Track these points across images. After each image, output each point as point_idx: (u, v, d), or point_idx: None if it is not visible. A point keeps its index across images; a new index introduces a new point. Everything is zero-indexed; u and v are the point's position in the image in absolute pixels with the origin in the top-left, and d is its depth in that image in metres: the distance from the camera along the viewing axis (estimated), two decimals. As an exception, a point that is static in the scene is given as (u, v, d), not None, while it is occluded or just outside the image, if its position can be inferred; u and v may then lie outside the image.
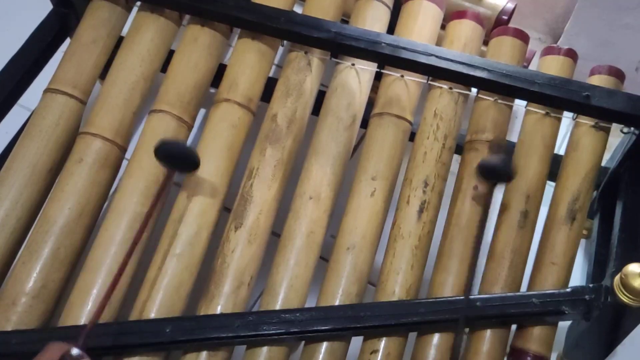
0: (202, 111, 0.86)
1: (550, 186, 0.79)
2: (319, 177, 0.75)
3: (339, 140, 0.77)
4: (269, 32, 0.79)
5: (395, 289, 0.71)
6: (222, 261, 0.70)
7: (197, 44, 0.80)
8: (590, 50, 1.04)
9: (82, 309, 0.67)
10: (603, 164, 0.81)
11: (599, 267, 0.80)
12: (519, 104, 0.81)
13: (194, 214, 0.71)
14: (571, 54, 0.84)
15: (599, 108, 0.74)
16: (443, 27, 0.88)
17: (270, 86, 0.80)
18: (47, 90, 0.78)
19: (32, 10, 0.90)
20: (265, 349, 0.68)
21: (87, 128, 0.76)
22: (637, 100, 0.74)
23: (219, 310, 0.68)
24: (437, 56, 0.75)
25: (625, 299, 0.62)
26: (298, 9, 0.85)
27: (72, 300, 0.68)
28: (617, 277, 0.63)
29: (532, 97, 0.76)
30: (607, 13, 1.02)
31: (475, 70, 0.75)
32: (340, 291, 0.70)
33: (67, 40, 0.88)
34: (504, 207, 0.77)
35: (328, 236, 0.74)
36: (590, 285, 0.69)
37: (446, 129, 0.78)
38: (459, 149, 0.80)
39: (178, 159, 0.68)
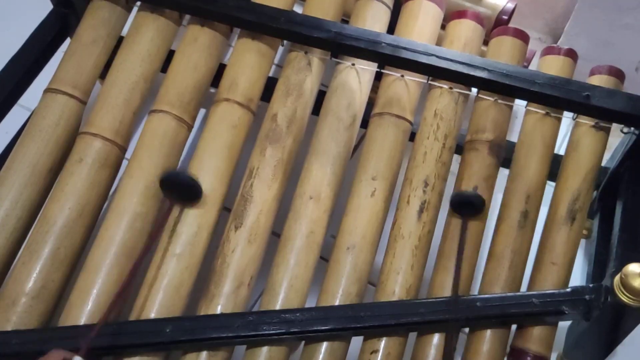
0: (202, 111, 0.86)
1: (550, 186, 0.79)
2: (319, 177, 0.75)
3: (339, 140, 0.77)
4: (269, 32, 0.79)
5: (395, 289, 0.71)
6: (222, 261, 0.70)
7: (197, 44, 0.80)
8: (590, 50, 1.04)
9: (82, 309, 0.67)
10: (603, 164, 0.81)
11: (599, 267, 0.80)
12: (519, 104, 0.81)
13: (194, 214, 0.71)
14: (571, 54, 0.84)
15: (599, 108, 0.74)
16: (443, 27, 0.88)
17: (270, 86, 0.80)
18: (47, 90, 0.78)
19: (32, 10, 0.90)
20: (265, 349, 0.68)
21: (87, 128, 0.76)
22: (637, 100, 0.74)
23: (219, 310, 0.68)
24: (437, 56, 0.75)
25: (625, 299, 0.62)
26: (298, 9, 0.85)
27: (72, 300, 0.68)
28: (617, 277, 0.63)
29: (532, 97, 0.76)
30: (607, 13, 1.02)
31: (476, 70, 0.75)
32: (340, 291, 0.70)
33: (67, 40, 0.88)
34: (504, 207, 0.77)
35: (328, 236, 0.74)
36: (590, 285, 0.69)
37: (446, 129, 0.78)
38: (459, 149, 0.80)
39: (182, 189, 0.70)
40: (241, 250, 0.71)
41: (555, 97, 0.75)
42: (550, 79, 0.75)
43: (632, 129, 0.76)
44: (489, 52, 0.86)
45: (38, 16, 0.88)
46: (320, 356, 0.68)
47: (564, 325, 0.75)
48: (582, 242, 0.89)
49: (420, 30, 0.83)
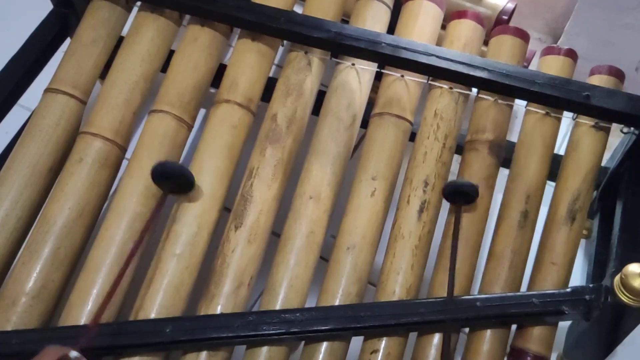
0: (202, 111, 0.86)
1: (550, 186, 0.79)
2: (319, 177, 0.75)
3: (339, 140, 0.77)
4: (269, 32, 0.79)
5: (396, 289, 0.71)
6: (222, 261, 0.70)
7: (197, 44, 0.80)
8: (590, 50, 1.04)
9: (82, 309, 0.67)
10: (603, 164, 0.81)
11: (599, 267, 0.80)
12: (519, 104, 0.81)
13: (194, 214, 0.71)
14: (571, 54, 0.84)
15: (599, 108, 0.74)
16: (443, 27, 0.88)
17: (270, 86, 0.80)
18: (48, 90, 0.78)
19: (32, 10, 0.90)
20: (265, 349, 0.68)
21: (87, 128, 0.76)
22: (637, 100, 0.74)
23: (219, 310, 0.68)
24: (437, 56, 0.75)
25: (625, 299, 0.62)
26: (298, 9, 0.85)
27: (72, 300, 0.68)
28: (617, 277, 0.63)
29: (532, 97, 0.76)
30: (607, 13, 1.02)
31: (476, 70, 0.75)
32: (340, 291, 0.70)
33: (67, 40, 0.88)
34: (503, 207, 0.77)
35: (328, 236, 0.74)
36: (590, 285, 0.69)
37: (446, 129, 0.78)
38: (459, 149, 0.80)
39: (173, 178, 0.70)
40: (241, 250, 0.71)
41: (555, 97, 0.75)
42: (550, 79, 0.75)
43: (632, 129, 0.76)
44: (489, 51, 0.86)
45: (38, 16, 0.88)
46: (320, 356, 0.68)
47: (564, 325, 0.75)
48: (582, 242, 0.89)
49: (420, 31, 0.83)
